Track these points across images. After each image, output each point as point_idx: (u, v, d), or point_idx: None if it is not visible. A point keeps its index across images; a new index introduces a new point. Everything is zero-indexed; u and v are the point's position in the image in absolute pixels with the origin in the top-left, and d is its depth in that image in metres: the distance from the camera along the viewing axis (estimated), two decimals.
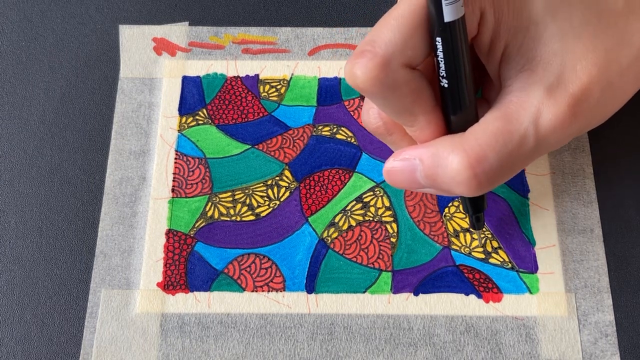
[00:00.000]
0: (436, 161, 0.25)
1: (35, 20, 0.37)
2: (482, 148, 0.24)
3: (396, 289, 0.30)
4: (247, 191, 0.32)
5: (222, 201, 0.32)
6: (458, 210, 0.32)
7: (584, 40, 0.24)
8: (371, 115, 0.28)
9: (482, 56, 0.26)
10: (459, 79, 0.24)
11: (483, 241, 0.31)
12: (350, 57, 0.23)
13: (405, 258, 0.31)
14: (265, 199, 0.32)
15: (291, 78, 0.35)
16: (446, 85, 0.24)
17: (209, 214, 0.32)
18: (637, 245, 0.31)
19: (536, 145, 0.24)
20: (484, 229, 0.31)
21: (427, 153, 0.25)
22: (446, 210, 0.32)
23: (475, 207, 0.29)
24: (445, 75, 0.24)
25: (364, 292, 0.30)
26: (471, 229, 0.31)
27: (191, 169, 0.33)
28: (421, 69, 0.25)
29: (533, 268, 0.31)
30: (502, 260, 0.31)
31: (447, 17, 0.23)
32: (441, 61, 0.24)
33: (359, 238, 0.31)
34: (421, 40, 0.23)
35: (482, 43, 0.25)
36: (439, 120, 0.25)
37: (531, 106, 0.24)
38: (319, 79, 0.35)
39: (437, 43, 0.23)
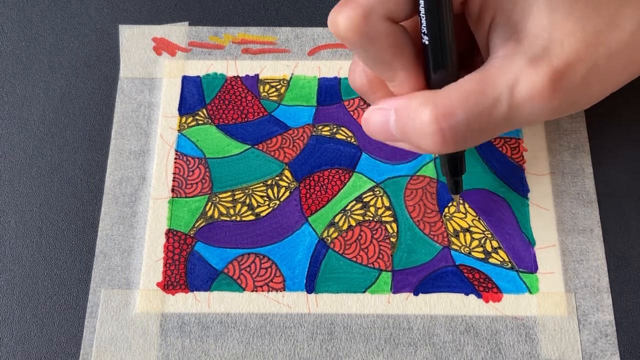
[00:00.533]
0: (407, 113, 0.25)
1: (35, 20, 0.37)
2: (451, 103, 0.24)
3: (396, 288, 0.30)
4: (247, 191, 0.32)
5: (222, 201, 0.32)
6: (458, 210, 0.32)
7: (574, 18, 0.25)
8: (357, 72, 0.28)
9: (471, 23, 0.27)
10: (439, 38, 0.24)
11: (458, 207, 0.32)
12: (335, 6, 0.24)
13: (405, 258, 0.31)
14: (265, 198, 0.32)
15: (291, 78, 0.35)
16: (427, 43, 0.25)
17: (209, 213, 0.32)
18: (637, 245, 0.31)
19: (508, 112, 0.24)
20: (483, 229, 0.31)
21: (401, 104, 0.26)
22: (446, 210, 0.32)
23: (454, 170, 0.29)
24: (426, 32, 0.24)
25: (364, 292, 0.30)
26: (450, 194, 0.31)
27: (191, 169, 0.33)
28: (408, 27, 0.25)
29: (533, 268, 0.31)
30: (501, 260, 0.31)
31: None
32: (423, 18, 0.24)
33: (359, 238, 0.31)
34: None
35: (471, 10, 0.26)
36: (418, 77, 0.26)
37: (510, 72, 0.24)
38: (318, 79, 0.35)
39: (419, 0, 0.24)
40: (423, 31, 0.25)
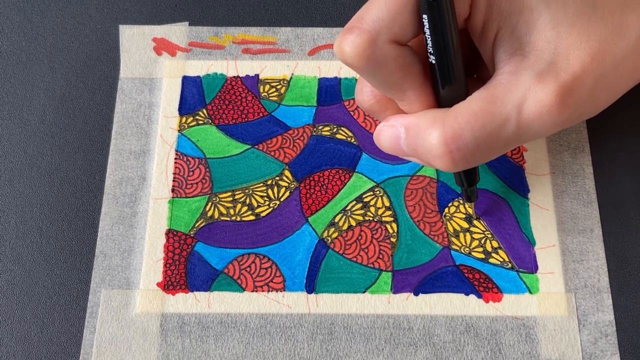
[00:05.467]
0: (416, 132, 0.25)
1: (35, 20, 0.37)
2: (460, 126, 0.24)
3: (396, 288, 0.30)
4: (247, 191, 0.32)
5: (222, 201, 0.32)
6: (458, 210, 0.32)
7: (578, 30, 0.24)
8: (364, 93, 0.28)
9: (475, 38, 0.26)
10: (445, 56, 0.24)
11: (475, 216, 0.32)
12: (340, 33, 0.24)
13: (405, 258, 0.31)
14: (265, 199, 0.32)
15: (291, 78, 0.35)
16: (434, 62, 0.25)
17: (209, 214, 0.32)
18: (637, 245, 0.31)
19: (517, 130, 0.24)
20: (484, 229, 0.31)
21: (411, 123, 0.26)
22: (446, 210, 0.32)
23: (468, 180, 0.29)
24: (432, 52, 0.24)
25: (364, 292, 0.30)
26: (465, 201, 0.32)
27: (191, 169, 0.33)
28: (415, 45, 0.25)
29: (533, 268, 0.31)
30: (502, 260, 0.31)
31: None
32: (428, 38, 0.24)
33: (359, 238, 0.31)
34: (409, 17, 0.24)
35: (475, 25, 0.26)
36: (427, 95, 0.26)
37: (518, 90, 0.24)
38: (319, 79, 0.35)
39: (423, 20, 0.24)
40: (429, 51, 0.24)
